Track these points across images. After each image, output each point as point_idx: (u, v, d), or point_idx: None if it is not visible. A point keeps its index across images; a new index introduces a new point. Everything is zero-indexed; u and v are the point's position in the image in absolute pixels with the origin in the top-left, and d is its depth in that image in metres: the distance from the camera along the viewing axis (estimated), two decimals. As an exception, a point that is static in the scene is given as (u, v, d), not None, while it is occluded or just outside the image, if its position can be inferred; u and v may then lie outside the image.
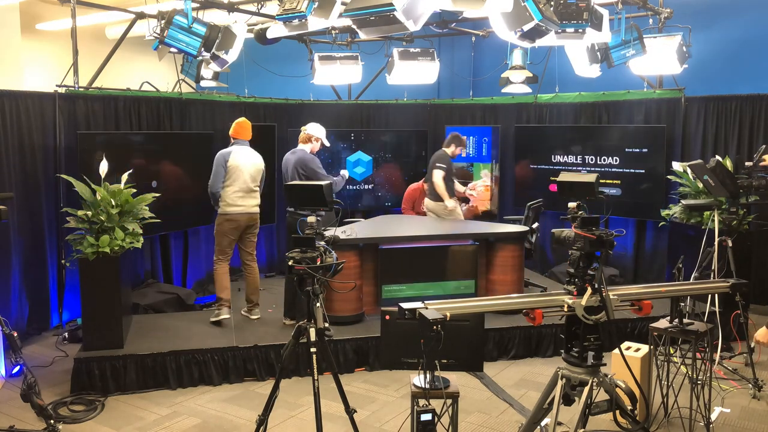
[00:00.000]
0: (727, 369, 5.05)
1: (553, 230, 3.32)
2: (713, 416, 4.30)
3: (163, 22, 4.94)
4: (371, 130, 8.38)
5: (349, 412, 3.60)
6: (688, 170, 5.63)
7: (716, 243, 5.05)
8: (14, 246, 5.57)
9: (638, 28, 5.66)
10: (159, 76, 7.47)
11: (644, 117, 7.16)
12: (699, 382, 3.91)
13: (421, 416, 3.20)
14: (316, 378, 3.36)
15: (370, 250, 5.70)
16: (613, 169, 7.24)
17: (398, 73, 7.26)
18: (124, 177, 5.22)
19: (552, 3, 3.79)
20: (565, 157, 7.58)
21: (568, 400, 3.16)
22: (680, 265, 4.29)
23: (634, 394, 3.15)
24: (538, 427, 3.38)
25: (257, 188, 5.73)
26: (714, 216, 5.14)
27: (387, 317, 3.70)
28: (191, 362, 4.96)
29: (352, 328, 5.46)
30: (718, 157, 4.95)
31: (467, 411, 4.47)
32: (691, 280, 4.98)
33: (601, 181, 3.46)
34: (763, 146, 4.72)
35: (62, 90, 5.98)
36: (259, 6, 6.13)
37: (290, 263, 3.38)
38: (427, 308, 2.86)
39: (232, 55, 5.37)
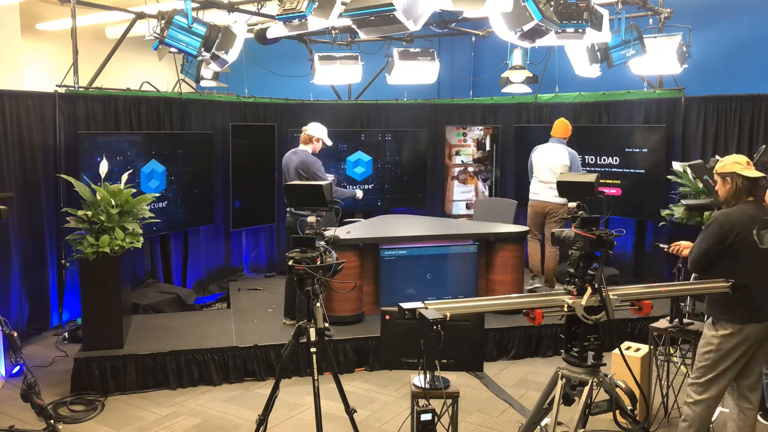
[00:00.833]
0: (727, 369, 5.03)
1: (553, 230, 3.33)
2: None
3: (163, 22, 4.94)
4: (371, 130, 8.38)
5: (349, 412, 3.60)
6: (688, 170, 5.63)
7: (716, 243, 5.04)
8: (14, 246, 5.57)
9: (638, 28, 5.66)
10: (159, 76, 7.47)
11: (644, 117, 7.16)
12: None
13: (421, 416, 3.20)
14: (316, 378, 3.36)
15: (370, 250, 5.70)
16: (613, 169, 7.24)
17: (398, 73, 7.25)
18: (124, 177, 5.23)
19: (552, 3, 3.79)
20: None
21: (568, 400, 3.16)
22: (680, 265, 4.29)
23: (634, 394, 3.15)
24: (538, 427, 3.38)
25: None
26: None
27: (387, 317, 3.70)
28: (191, 362, 4.96)
29: (352, 328, 5.46)
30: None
31: (467, 411, 4.47)
32: (691, 280, 4.98)
33: (601, 180, 3.46)
34: (763, 146, 4.71)
35: (62, 90, 5.98)
36: (259, 6, 6.12)
37: (290, 263, 3.38)
38: (427, 308, 2.86)
39: (232, 55, 5.36)
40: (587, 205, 3.23)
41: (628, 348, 4.28)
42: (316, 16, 3.94)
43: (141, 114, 6.58)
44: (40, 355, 5.46)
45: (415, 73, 7.30)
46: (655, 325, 4.13)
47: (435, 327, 2.70)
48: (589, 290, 3.02)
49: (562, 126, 6.56)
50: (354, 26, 3.64)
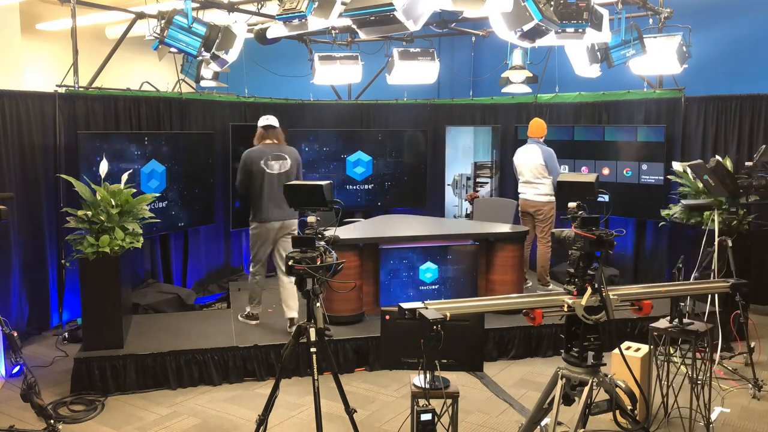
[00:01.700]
0: (727, 369, 5.04)
1: (553, 230, 3.33)
2: (713, 416, 4.30)
3: (163, 22, 4.94)
4: (371, 130, 8.38)
5: (349, 412, 3.60)
6: (688, 170, 5.63)
7: (716, 243, 5.05)
8: (14, 246, 5.57)
9: (638, 28, 5.66)
10: (159, 76, 7.47)
11: (644, 117, 7.16)
12: (699, 382, 3.91)
13: (421, 416, 3.20)
14: (316, 378, 3.36)
15: (370, 250, 5.70)
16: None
17: (398, 73, 7.25)
18: (124, 177, 5.23)
19: (552, 3, 3.79)
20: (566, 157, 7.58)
21: (568, 400, 3.16)
22: (680, 265, 4.29)
23: (634, 394, 3.15)
24: (538, 427, 3.38)
25: None
26: (714, 216, 5.14)
27: (387, 317, 3.70)
28: (191, 362, 4.96)
29: (352, 328, 5.46)
30: (718, 157, 4.95)
31: (467, 411, 4.47)
32: (691, 280, 4.99)
33: (600, 180, 3.46)
34: (763, 146, 4.72)
35: (62, 90, 5.98)
36: (259, 6, 6.13)
37: (290, 263, 3.38)
38: (427, 308, 2.87)
39: (232, 55, 5.36)
40: (587, 205, 3.23)
41: (628, 348, 4.28)
42: (316, 16, 3.94)
43: (141, 114, 6.58)
44: (40, 355, 5.46)
45: (415, 73, 7.30)
46: (655, 325, 4.13)
47: (435, 327, 2.70)
48: (589, 290, 3.03)
49: (536, 126, 6.73)
50: (354, 26, 3.64)
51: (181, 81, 7.16)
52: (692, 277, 5.16)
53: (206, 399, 4.75)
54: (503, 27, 3.70)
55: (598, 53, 5.64)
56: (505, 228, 6.30)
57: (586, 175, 3.38)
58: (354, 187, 8.15)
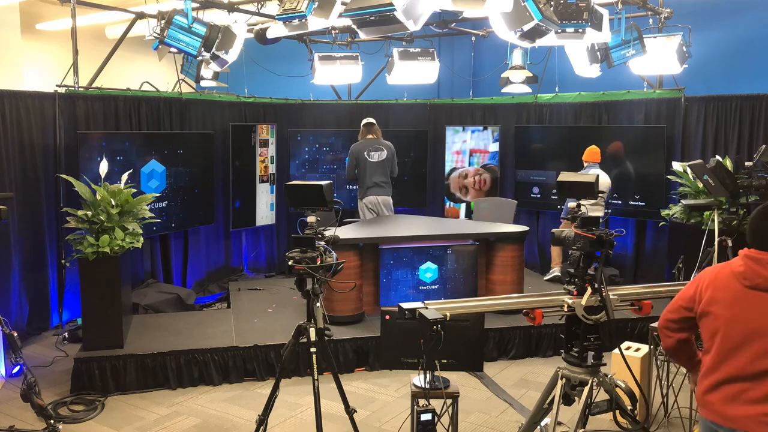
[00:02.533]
0: (727, 369, 5.03)
1: (553, 230, 3.33)
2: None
3: (163, 22, 4.94)
4: (371, 130, 8.37)
5: (349, 412, 3.60)
6: (688, 170, 5.63)
7: (716, 243, 5.05)
8: (14, 246, 5.57)
9: (638, 28, 5.66)
10: (159, 76, 7.47)
11: (644, 117, 7.16)
12: (699, 382, 3.90)
13: (421, 416, 3.20)
14: (316, 378, 3.36)
15: (370, 250, 5.70)
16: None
17: (398, 73, 7.25)
18: (124, 177, 5.23)
19: (552, 3, 3.80)
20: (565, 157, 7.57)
21: (568, 400, 3.16)
22: (680, 265, 4.30)
23: (634, 394, 3.15)
24: (538, 427, 3.38)
25: None
26: (714, 216, 5.14)
27: (387, 317, 3.70)
28: (191, 362, 4.96)
29: (352, 328, 5.46)
30: (718, 157, 4.95)
31: (467, 411, 4.47)
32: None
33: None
34: (763, 146, 4.72)
35: (62, 90, 5.98)
36: (259, 6, 6.12)
37: (290, 263, 3.38)
38: (427, 308, 2.87)
39: (232, 55, 5.36)
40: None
41: (628, 348, 4.28)
42: (316, 16, 3.95)
43: (141, 114, 6.58)
44: (40, 355, 5.46)
45: (415, 73, 7.30)
46: (655, 325, 4.12)
47: (435, 327, 2.70)
48: (589, 290, 3.03)
49: (595, 152, 6.82)
50: (354, 26, 3.65)
51: (181, 81, 7.16)
52: (692, 277, 5.16)
53: (206, 399, 4.75)
54: (503, 27, 3.71)
55: (598, 53, 5.65)
56: (505, 228, 6.29)
57: (586, 175, 3.38)
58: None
